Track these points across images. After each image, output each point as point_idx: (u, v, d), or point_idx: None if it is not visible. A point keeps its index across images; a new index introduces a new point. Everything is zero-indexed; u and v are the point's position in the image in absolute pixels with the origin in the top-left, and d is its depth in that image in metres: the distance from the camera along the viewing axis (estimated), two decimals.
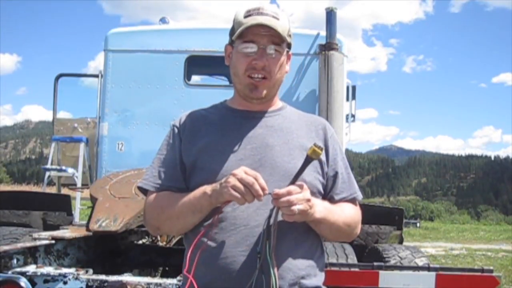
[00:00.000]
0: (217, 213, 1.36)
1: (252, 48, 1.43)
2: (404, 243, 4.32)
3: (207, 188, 1.36)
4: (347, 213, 1.50)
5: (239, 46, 1.44)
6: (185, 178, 1.48)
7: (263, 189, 1.27)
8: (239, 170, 1.29)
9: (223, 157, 1.42)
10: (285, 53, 1.48)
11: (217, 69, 5.62)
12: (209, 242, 1.38)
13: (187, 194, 1.42)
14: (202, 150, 1.46)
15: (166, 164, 1.50)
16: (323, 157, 1.49)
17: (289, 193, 1.28)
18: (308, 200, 1.31)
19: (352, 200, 1.55)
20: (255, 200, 1.28)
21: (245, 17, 1.43)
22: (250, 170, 1.29)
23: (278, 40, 1.43)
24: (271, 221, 1.32)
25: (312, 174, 1.44)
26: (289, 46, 1.50)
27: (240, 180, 1.27)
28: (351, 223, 1.51)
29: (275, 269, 1.30)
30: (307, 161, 1.33)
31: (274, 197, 1.28)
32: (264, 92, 1.48)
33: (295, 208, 1.27)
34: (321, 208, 1.39)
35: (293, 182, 1.32)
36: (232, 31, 1.48)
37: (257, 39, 1.42)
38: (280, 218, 1.33)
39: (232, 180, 1.28)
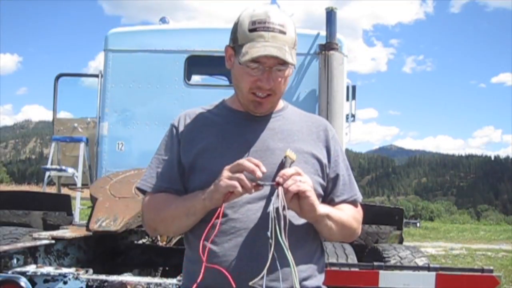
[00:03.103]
0: (219, 214, 1.32)
1: (258, 68, 1.38)
2: (404, 243, 4.32)
3: (201, 192, 1.35)
4: (348, 214, 1.49)
5: (243, 62, 1.38)
6: (183, 179, 1.47)
7: (258, 166, 1.27)
8: (229, 165, 1.30)
9: (222, 159, 1.39)
10: (290, 67, 1.42)
11: (217, 69, 5.62)
12: (209, 245, 1.36)
13: (182, 197, 1.41)
14: (201, 152, 1.45)
15: (164, 165, 1.49)
16: (324, 159, 1.49)
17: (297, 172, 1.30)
18: (310, 181, 1.33)
19: (353, 202, 1.54)
20: (252, 191, 1.27)
21: (250, 30, 1.37)
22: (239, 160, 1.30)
23: (284, 60, 1.37)
24: (273, 207, 1.29)
25: (312, 177, 1.42)
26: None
27: (231, 168, 1.27)
28: (352, 223, 1.50)
29: (289, 252, 1.27)
30: (287, 160, 1.37)
31: (280, 176, 1.28)
32: (268, 107, 1.47)
33: (299, 178, 1.28)
34: (323, 205, 1.39)
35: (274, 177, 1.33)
36: (235, 37, 1.42)
37: (263, 61, 1.37)
38: (286, 207, 1.30)
39: (225, 173, 1.28)
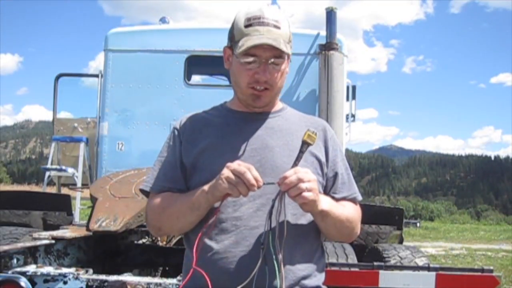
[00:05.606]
0: (216, 212, 1.36)
1: (254, 62, 1.42)
2: (404, 243, 4.32)
3: (205, 186, 1.37)
4: (349, 210, 1.51)
5: (240, 58, 1.43)
6: (186, 179, 1.49)
7: (256, 180, 1.27)
8: (233, 163, 1.31)
9: (223, 158, 1.41)
10: (286, 61, 1.47)
11: (217, 69, 5.62)
12: (210, 242, 1.39)
13: (186, 193, 1.43)
14: (202, 151, 1.47)
15: (167, 166, 1.52)
16: (323, 158, 1.51)
17: (296, 172, 1.29)
18: (314, 180, 1.32)
19: (352, 200, 1.56)
20: (249, 193, 1.28)
21: (246, 26, 1.42)
22: (244, 163, 1.30)
23: (279, 52, 1.42)
24: (274, 212, 1.32)
25: None
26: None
27: (233, 171, 1.28)
28: (352, 220, 1.51)
29: (280, 258, 1.29)
30: (303, 146, 1.35)
31: (282, 180, 1.28)
32: (267, 101, 1.50)
33: (304, 185, 1.27)
34: (325, 200, 1.40)
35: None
36: (232, 36, 1.47)
37: (259, 53, 1.41)
38: (285, 214, 1.32)
39: (226, 172, 1.29)
